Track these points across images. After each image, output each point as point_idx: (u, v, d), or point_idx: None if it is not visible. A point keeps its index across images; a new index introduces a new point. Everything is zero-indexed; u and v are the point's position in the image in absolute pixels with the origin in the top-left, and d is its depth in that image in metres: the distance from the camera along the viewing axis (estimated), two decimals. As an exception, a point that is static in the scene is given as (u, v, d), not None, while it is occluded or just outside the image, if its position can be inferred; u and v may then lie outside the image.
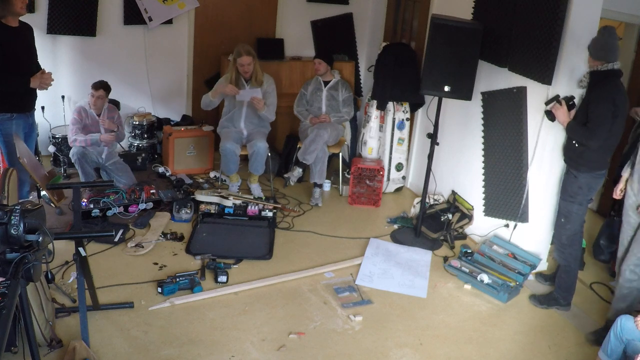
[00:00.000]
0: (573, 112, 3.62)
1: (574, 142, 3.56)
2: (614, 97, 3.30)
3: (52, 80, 4.03)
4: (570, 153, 3.64)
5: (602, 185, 3.81)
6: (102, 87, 4.56)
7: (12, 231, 2.04)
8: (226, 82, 4.83)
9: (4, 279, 2.06)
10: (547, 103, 3.69)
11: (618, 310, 3.41)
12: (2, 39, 3.75)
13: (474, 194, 4.65)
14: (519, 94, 4.09)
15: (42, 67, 4.11)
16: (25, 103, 4.03)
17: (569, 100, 3.62)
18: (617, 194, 3.62)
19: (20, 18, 3.90)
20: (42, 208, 2.22)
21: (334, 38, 6.32)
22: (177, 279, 3.63)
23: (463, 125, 4.77)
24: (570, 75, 3.77)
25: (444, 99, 4.36)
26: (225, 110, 5.07)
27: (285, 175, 5.42)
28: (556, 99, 3.61)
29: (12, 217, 2.04)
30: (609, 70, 3.35)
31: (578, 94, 3.75)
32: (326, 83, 5.32)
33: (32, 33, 4.06)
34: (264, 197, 4.92)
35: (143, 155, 5.47)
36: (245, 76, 4.86)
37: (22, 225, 2.05)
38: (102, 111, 4.64)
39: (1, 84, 3.77)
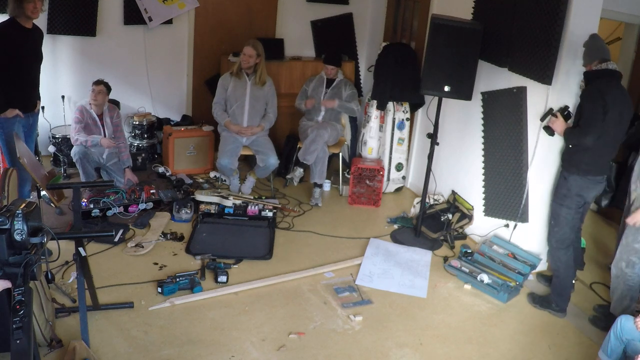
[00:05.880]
0: (571, 121, 3.60)
1: (569, 144, 3.53)
2: (602, 93, 3.24)
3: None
4: (563, 155, 3.64)
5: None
6: (102, 82, 4.59)
7: (17, 237, 1.98)
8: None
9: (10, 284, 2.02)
10: (542, 119, 3.69)
11: (615, 307, 3.48)
12: (15, 39, 3.77)
13: (474, 194, 4.65)
14: (519, 94, 4.08)
15: (43, 68, 4.13)
16: (27, 103, 4.05)
17: (563, 110, 3.61)
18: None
19: None
20: (37, 206, 2.17)
21: (334, 38, 6.33)
22: (177, 279, 3.63)
23: (463, 125, 4.77)
24: (570, 75, 3.77)
25: (444, 99, 4.36)
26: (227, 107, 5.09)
27: (288, 177, 5.43)
28: (550, 112, 3.61)
29: (15, 222, 1.97)
30: (601, 70, 3.33)
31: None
32: (329, 81, 5.33)
33: (41, 37, 4.09)
34: (264, 197, 4.92)
35: (143, 155, 5.48)
36: (244, 66, 4.91)
37: (26, 229, 1.99)
38: (103, 110, 4.64)
39: (5, 83, 3.78)
